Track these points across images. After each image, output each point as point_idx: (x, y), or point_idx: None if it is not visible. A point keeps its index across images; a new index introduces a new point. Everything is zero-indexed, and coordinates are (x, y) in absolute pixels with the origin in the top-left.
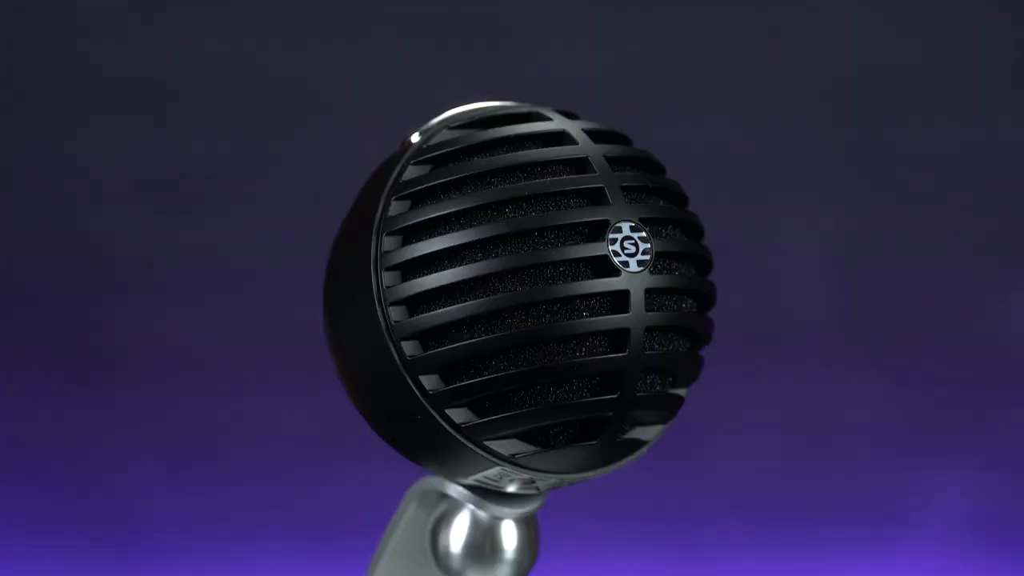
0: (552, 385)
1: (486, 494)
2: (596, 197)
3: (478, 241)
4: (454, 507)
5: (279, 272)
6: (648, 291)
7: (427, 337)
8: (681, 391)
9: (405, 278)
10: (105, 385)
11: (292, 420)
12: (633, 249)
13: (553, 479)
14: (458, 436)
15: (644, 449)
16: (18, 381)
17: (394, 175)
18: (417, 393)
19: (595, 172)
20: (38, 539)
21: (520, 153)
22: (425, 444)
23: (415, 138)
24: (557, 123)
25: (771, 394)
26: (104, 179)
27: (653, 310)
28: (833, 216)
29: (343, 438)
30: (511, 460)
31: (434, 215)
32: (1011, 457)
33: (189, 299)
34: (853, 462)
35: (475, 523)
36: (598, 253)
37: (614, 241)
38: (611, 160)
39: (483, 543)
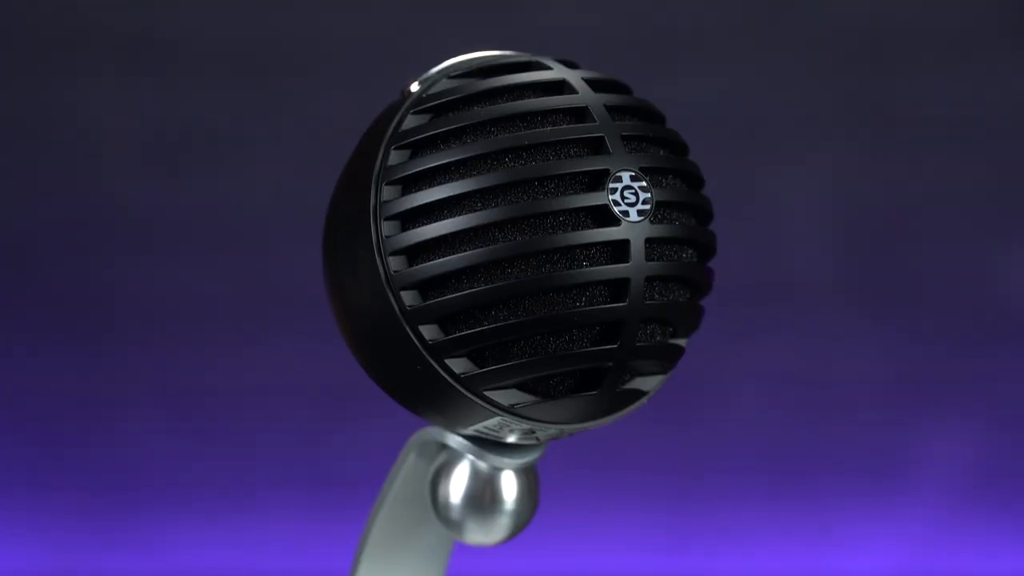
0: (552, 335)
1: (486, 444)
2: (596, 146)
3: (478, 190)
4: (454, 457)
5: (279, 227)
6: (648, 241)
7: (426, 287)
8: (681, 341)
9: (404, 228)
10: (104, 340)
11: (292, 375)
12: (633, 198)
13: (553, 429)
14: (458, 386)
15: (644, 399)
16: (17, 336)
17: (393, 124)
18: (416, 343)
19: (595, 121)
20: (36, 493)
21: (520, 102)
22: (425, 394)
23: (415, 87)
24: (557, 72)
25: (771, 348)
26: (104, 134)
27: (653, 260)
28: (833, 170)
29: (342, 392)
30: (511, 410)
31: (433, 164)
32: (1010, 410)
33: (189, 254)
34: (853, 415)
35: (475, 473)
36: (598, 202)
37: (614, 190)
38: (611, 109)
39: (483, 493)
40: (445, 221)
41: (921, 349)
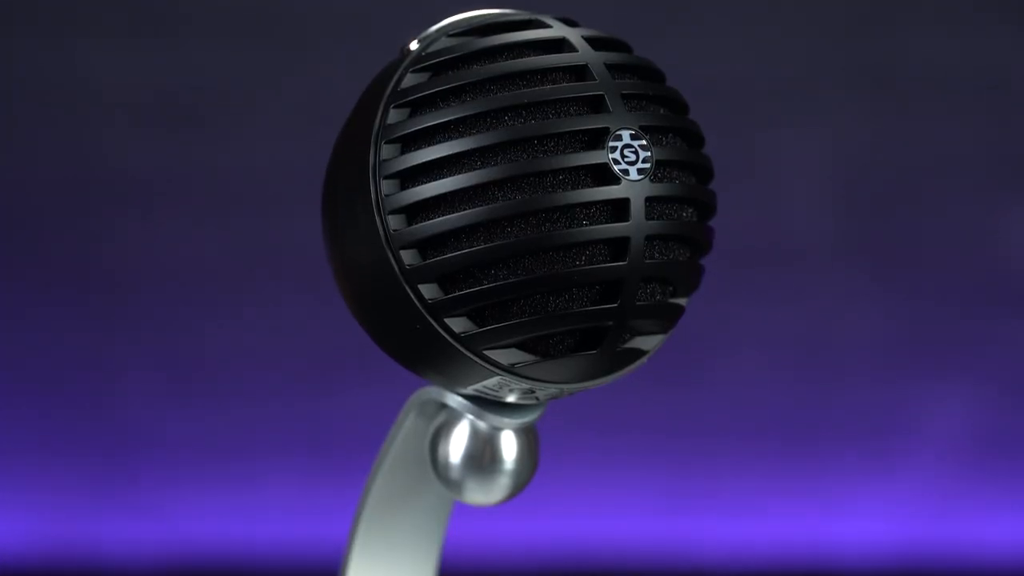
0: (551, 294)
1: (485, 404)
2: (596, 105)
3: (477, 149)
4: (453, 417)
5: (280, 190)
6: (648, 199)
7: (426, 246)
8: (681, 300)
9: (404, 186)
10: (103, 303)
11: (291, 337)
12: (633, 157)
13: (553, 389)
14: (457, 345)
15: (644, 359)
16: (16, 298)
17: (392, 83)
18: (416, 302)
19: (595, 80)
20: (35, 459)
21: (519, 61)
22: (424, 354)
23: (414, 45)
24: (557, 30)
25: (771, 311)
26: (106, 98)
27: (653, 218)
28: (834, 133)
29: (342, 355)
30: (510, 370)
31: (433, 123)
32: (1012, 373)
33: (188, 217)
34: (853, 378)
35: (474, 433)
36: (598, 161)
37: (614, 149)
38: (611, 68)
39: (482, 453)
40: (444, 180)
41: (923, 312)
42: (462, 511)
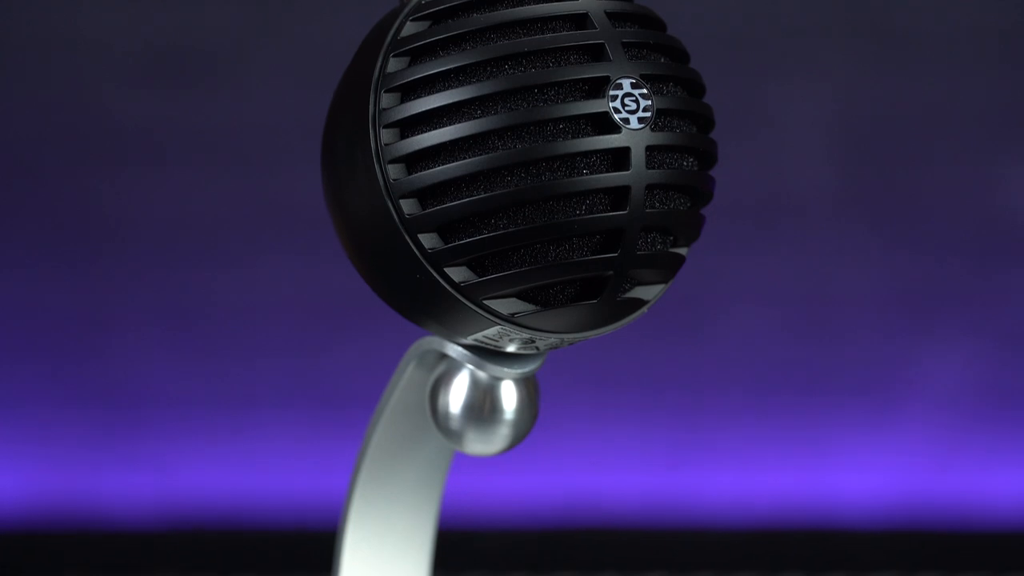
0: (552, 243)
1: (485, 354)
2: (596, 53)
3: (477, 98)
4: (453, 367)
5: (281, 144)
6: (649, 148)
7: (426, 195)
8: (682, 250)
9: (403, 135)
10: (104, 257)
11: (292, 292)
12: (634, 106)
13: (553, 339)
14: (457, 295)
15: (644, 309)
16: (17, 254)
17: (392, 31)
18: (416, 252)
19: (595, 28)
20: (37, 412)
21: (519, 9)
22: (424, 304)
23: None
24: None
25: (773, 265)
26: (107, 52)
27: (654, 168)
28: (835, 86)
29: (342, 309)
30: (510, 319)
31: (432, 71)
32: (1013, 328)
33: (190, 171)
34: (854, 333)
35: (474, 383)
36: (598, 110)
37: (615, 98)
38: (612, 16)
39: (482, 403)
40: (444, 128)
41: (924, 266)
42: (461, 465)
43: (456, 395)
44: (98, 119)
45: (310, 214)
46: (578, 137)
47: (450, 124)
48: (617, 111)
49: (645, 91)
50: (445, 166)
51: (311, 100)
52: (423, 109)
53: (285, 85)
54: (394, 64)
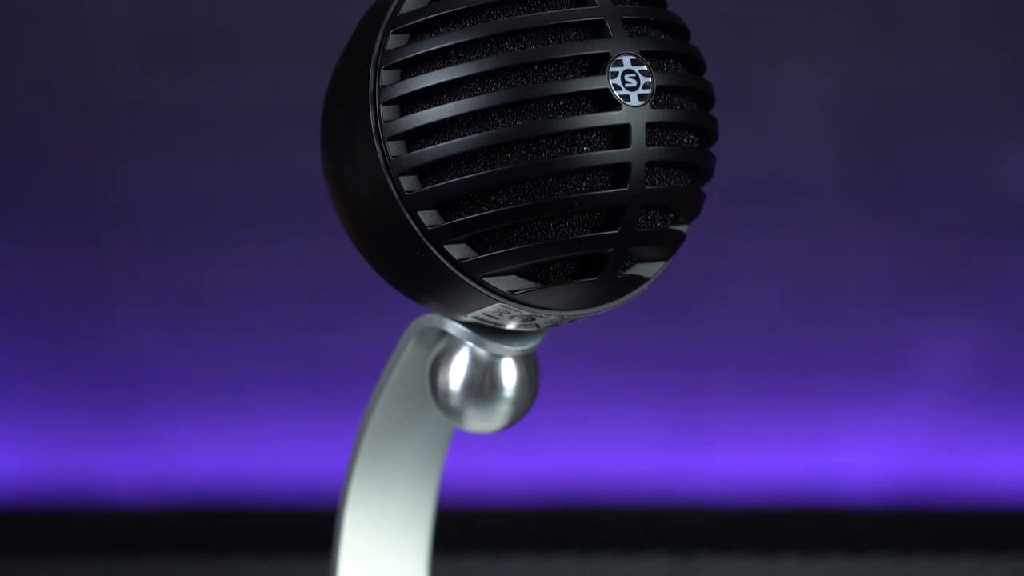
0: (552, 220)
1: (485, 331)
2: (597, 30)
3: (477, 74)
4: (453, 345)
5: (280, 123)
6: (649, 125)
7: (426, 172)
8: (682, 227)
9: (403, 112)
10: (104, 237)
11: (290, 270)
12: (634, 83)
13: (553, 316)
14: (457, 272)
15: (645, 286)
16: (18, 233)
17: (392, 8)
18: (416, 229)
19: (596, 5)
20: (37, 392)
21: None
22: (424, 281)
23: None
24: None
25: (772, 245)
26: (106, 30)
27: (654, 144)
28: (835, 65)
29: (342, 289)
30: (510, 296)
31: (433, 48)
32: (1013, 307)
33: (189, 151)
34: (854, 312)
35: (474, 361)
36: (598, 87)
37: (615, 75)
38: None
39: (482, 381)
40: (444, 105)
41: (924, 245)
42: (460, 444)
43: (456, 372)
44: (98, 99)
45: (311, 193)
46: (578, 114)
47: (450, 101)
48: (617, 88)
49: (645, 68)
50: (445, 143)
51: (312, 78)
52: (423, 86)
53: (286, 64)
54: (394, 41)
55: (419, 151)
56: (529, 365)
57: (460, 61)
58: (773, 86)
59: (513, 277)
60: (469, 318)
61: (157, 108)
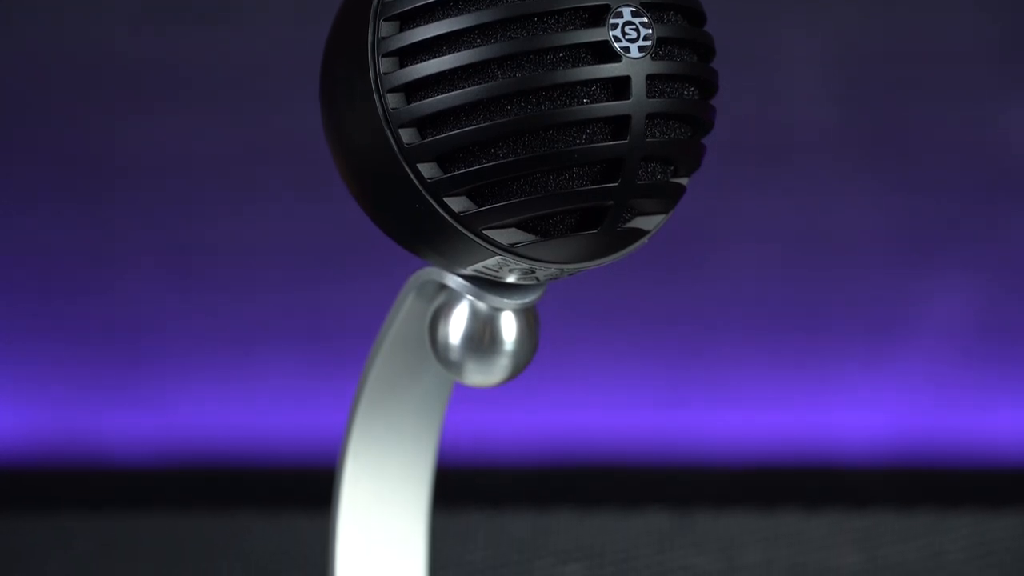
0: (552, 173)
1: (485, 285)
2: None
3: (477, 26)
4: (453, 298)
5: (281, 80)
6: (649, 77)
7: (425, 124)
8: (682, 180)
9: (403, 64)
10: (103, 197)
11: (289, 226)
12: (634, 34)
13: (553, 269)
14: (457, 225)
15: (645, 239)
16: (18, 192)
17: None
18: (415, 181)
19: None
20: (37, 352)
21: None
22: (424, 234)
23: None
24: None
25: (771, 203)
26: None
27: (654, 96)
28: (835, 22)
29: (342, 246)
30: (510, 249)
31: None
32: (1013, 264)
33: (189, 108)
34: (854, 270)
35: (474, 314)
36: (598, 38)
37: (615, 26)
38: None
39: (482, 334)
40: (444, 57)
41: (924, 203)
42: (459, 401)
43: (456, 326)
44: (100, 56)
45: (310, 150)
46: (578, 66)
47: (449, 53)
48: (617, 40)
49: (645, 19)
50: (444, 95)
51: (312, 35)
52: (422, 38)
53: (286, 19)
54: None
55: (418, 103)
56: (529, 318)
57: (459, 12)
58: (773, 43)
59: (513, 230)
60: (469, 271)
61: (158, 65)
